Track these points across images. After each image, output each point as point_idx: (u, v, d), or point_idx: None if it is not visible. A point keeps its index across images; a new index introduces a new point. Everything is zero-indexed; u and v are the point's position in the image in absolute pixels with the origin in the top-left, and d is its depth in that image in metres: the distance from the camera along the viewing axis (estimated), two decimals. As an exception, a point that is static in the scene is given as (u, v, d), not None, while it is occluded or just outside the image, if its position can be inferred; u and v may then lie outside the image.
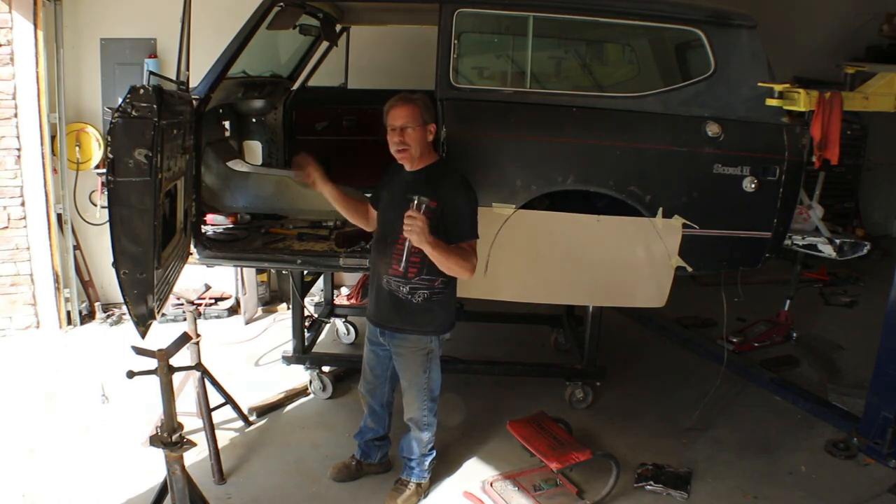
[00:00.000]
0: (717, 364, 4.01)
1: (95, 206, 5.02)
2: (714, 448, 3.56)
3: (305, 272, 4.23)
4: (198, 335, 3.37)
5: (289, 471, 3.31)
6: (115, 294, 4.95)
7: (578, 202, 3.29)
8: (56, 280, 4.80)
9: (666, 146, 3.18)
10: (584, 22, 3.46)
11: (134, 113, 2.53)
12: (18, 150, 4.59)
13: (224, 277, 5.36)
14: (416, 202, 2.56)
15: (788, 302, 4.90)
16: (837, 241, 3.38)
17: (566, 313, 4.56)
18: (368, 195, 3.06)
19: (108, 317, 5.03)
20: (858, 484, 3.29)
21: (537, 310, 4.48)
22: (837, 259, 3.42)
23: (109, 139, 2.57)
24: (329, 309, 4.67)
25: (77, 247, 5.05)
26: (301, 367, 3.96)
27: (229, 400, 3.62)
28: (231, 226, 3.79)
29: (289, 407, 3.90)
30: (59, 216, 4.80)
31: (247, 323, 5.09)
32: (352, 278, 5.55)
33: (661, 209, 3.20)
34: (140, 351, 2.43)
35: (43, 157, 4.63)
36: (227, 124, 4.30)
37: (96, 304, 5.11)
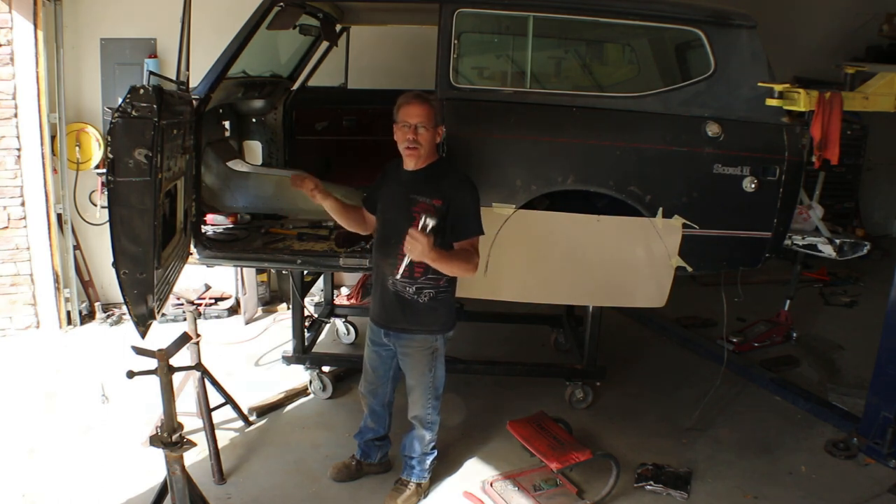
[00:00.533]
0: (717, 364, 4.01)
1: (95, 206, 5.02)
2: (714, 448, 3.56)
3: (305, 272, 4.23)
4: (198, 335, 3.37)
5: (289, 471, 3.31)
6: (115, 294, 4.95)
7: (578, 202, 3.29)
8: (56, 280, 4.80)
9: (666, 146, 3.19)
10: (584, 22, 3.46)
11: (134, 113, 2.54)
12: (18, 150, 4.59)
13: (224, 277, 5.36)
14: (422, 223, 2.52)
15: (788, 302, 4.90)
16: (837, 241, 3.38)
17: (566, 313, 4.56)
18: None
19: (108, 317, 5.03)
20: (858, 484, 3.29)
21: (537, 310, 4.47)
22: (837, 259, 3.43)
23: (109, 139, 2.57)
24: (329, 309, 4.67)
25: (77, 247, 5.05)
26: (301, 367, 3.96)
27: (229, 400, 3.62)
28: (231, 226, 3.79)
29: (289, 407, 3.90)
30: (59, 216, 4.80)
31: (247, 323, 5.09)
32: (352, 278, 5.55)
33: (661, 209, 3.20)
34: (140, 351, 2.43)
35: (43, 157, 4.63)
36: (227, 124, 4.30)
37: (96, 304, 5.11)
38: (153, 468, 3.11)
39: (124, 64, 4.92)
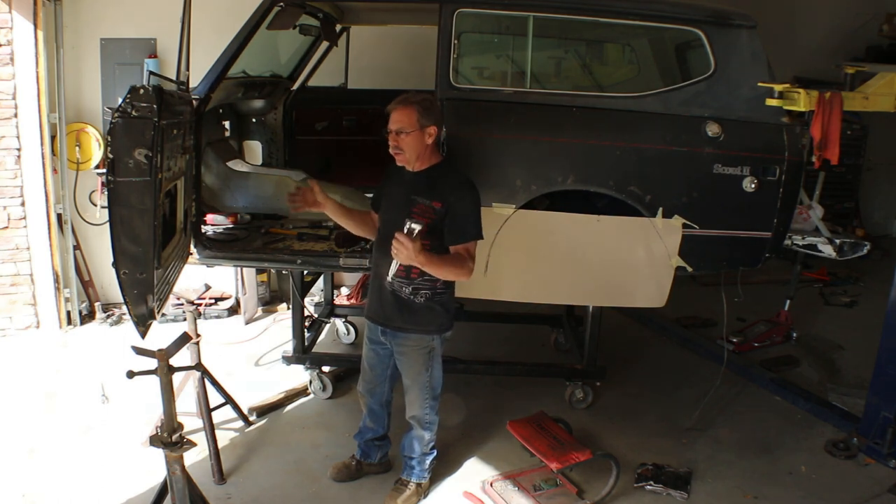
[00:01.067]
0: (717, 364, 4.00)
1: (95, 206, 5.02)
2: (714, 448, 3.56)
3: (305, 272, 4.23)
4: (198, 335, 3.37)
5: (289, 471, 3.31)
6: (115, 294, 4.95)
7: (578, 202, 3.29)
8: (56, 280, 4.80)
9: (666, 146, 3.18)
10: (584, 22, 3.46)
11: (134, 113, 2.54)
12: (18, 150, 4.59)
13: (224, 277, 5.36)
14: (407, 228, 2.56)
15: (788, 302, 4.90)
16: (837, 241, 3.38)
17: (566, 313, 4.56)
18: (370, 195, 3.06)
19: (108, 317, 5.03)
20: (858, 484, 3.29)
21: (537, 310, 4.47)
22: (837, 259, 3.43)
23: (109, 139, 2.57)
24: (329, 309, 4.67)
25: (77, 247, 5.05)
26: (301, 367, 3.96)
27: (229, 400, 3.62)
28: (231, 226, 3.79)
29: (289, 407, 3.90)
30: (59, 216, 4.80)
31: (247, 323, 5.09)
32: (352, 278, 5.55)
33: (661, 209, 3.20)
34: (140, 351, 2.43)
35: (43, 157, 4.63)
36: (227, 124, 4.30)
37: (96, 304, 5.11)
38: (153, 468, 3.11)
39: (124, 64, 4.92)
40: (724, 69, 3.18)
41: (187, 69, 3.08)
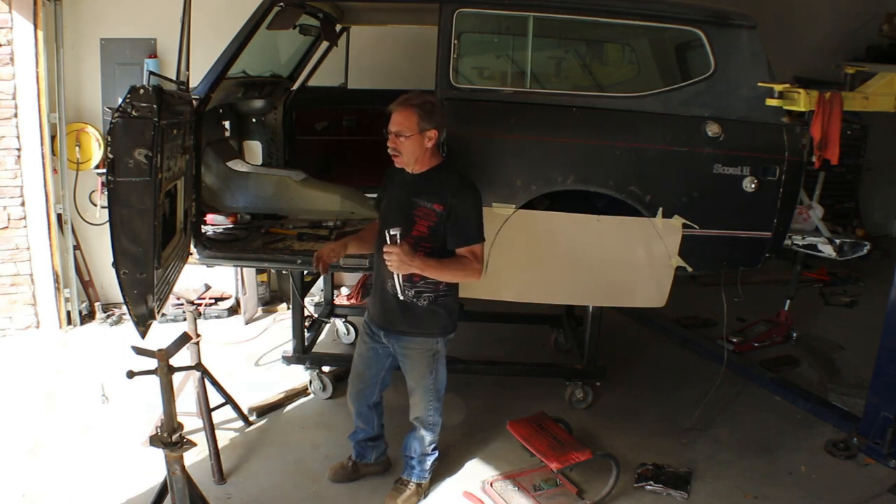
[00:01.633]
0: (717, 364, 4.00)
1: (95, 206, 5.02)
2: (714, 448, 3.57)
3: (305, 272, 4.23)
4: (198, 335, 3.37)
5: (289, 471, 3.31)
6: (115, 294, 4.95)
7: (578, 202, 3.29)
8: (56, 280, 4.80)
9: (666, 146, 3.18)
10: (584, 22, 3.46)
11: (134, 113, 2.53)
12: (18, 150, 4.59)
13: (224, 277, 5.36)
14: (389, 235, 2.53)
15: (788, 302, 4.90)
16: (837, 241, 3.38)
17: (566, 313, 4.56)
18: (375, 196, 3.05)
19: (108, 317, 5.03)
20: (858, 484, 3.29)
21: (537, 310, 4.47)
22: (837, 259, 3.43)
23: (109, 139, 2.57)
24: (329, 309, 4.67)
25: (77, 247, 5.05)
26: (301, 367, 3.96)
27: (229, 400, 3.62)
28: (231, 226, 3.79)
29: (289, 407, 3.90)
30: (59, 216, 4.80)
31: (247, 323, 5.09)
32: (352, 278, 5.55)
33: (661, 209, 3.20)
34: (140, 351, 2.43)
35: (43, 157, 4.63)
36: (227, 124, 4.31)
37: (96, 304, 5.11)
38: (153, 468, 3.11)
39: (124, 64, 4.92)
40: (724, 69, 3.18)
41: (187, 69, 3.07)
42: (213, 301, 5.25)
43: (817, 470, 3.40)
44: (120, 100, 2.60)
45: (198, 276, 5.31)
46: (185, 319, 4.24)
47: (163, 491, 2.63)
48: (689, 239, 3.24)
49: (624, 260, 3.31)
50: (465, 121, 3.18)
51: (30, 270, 4.77)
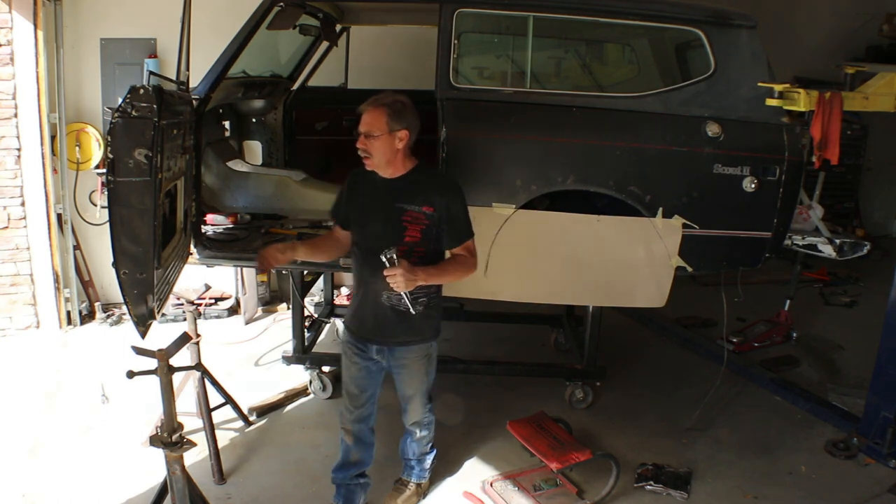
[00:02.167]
0: (717, 364, 4.01)
1: (95, 206, 5.02)
2: (714, 448, 3.56)
3: (305, 272, 4.23)
4: (198, 335, 3.37)
5: (289, 471, 3.31)
6: (115, 294, 4.94)
7: (578, 202, 3.29)
8: (56, 280, 4.80)
9: (666, 146, 3.19)
10: (584, 22, 3.46)
11: (134, 113, 2.53)
12: (18, 150, 4.59)
13: (224, 277, 5.36)
14: (385, 258, 2.44)
15: (788, 302, 4.90)
16: (837, 241, 3.38)
17: (566, 313, 4.56)
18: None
19: (108, 317, 5.03)
20: (858, 484, 3.29)
21: (537, 310, 4.47)
22: (837, 259, 3.43)
23: (109, 139, 2.57)
24: (329, 309, 4.67)
25: (77, 247, 5.05)
26: (301, 367, 3.97)
27: (229, 400, 3.62)
28: (231, 226, 3.79)
29: (289, 407, 3.90)
30: (59, 216, 4.80)
31: (247, 323, 5.09)
32: (352, 278, 5.53)
33: (661, 209, 3.20)
34: (140, 351, 2.43)
35: (43, 157, 4.63)
36: (227, 124, 4.30)
37: (96, 304, 5.11)
38: (153, 468, 3.11)
39: (124, 64, 4.92)
40: (724, 69, 3.18)
41: (187, 69, 3.07)
42: (213, 301, 5.25)
43: (817, 470, 3.40)
44: (120, 100, 2.60)
45: (198, 276, 5.31)
46: (185, 319, 4.24)
47: (163, 491, 2.63)
48: (689, 239, 3.24)
49: (624, 260, 3.31)
50: (465, 121, 3.18)
51: (30, 270, 4.77)
